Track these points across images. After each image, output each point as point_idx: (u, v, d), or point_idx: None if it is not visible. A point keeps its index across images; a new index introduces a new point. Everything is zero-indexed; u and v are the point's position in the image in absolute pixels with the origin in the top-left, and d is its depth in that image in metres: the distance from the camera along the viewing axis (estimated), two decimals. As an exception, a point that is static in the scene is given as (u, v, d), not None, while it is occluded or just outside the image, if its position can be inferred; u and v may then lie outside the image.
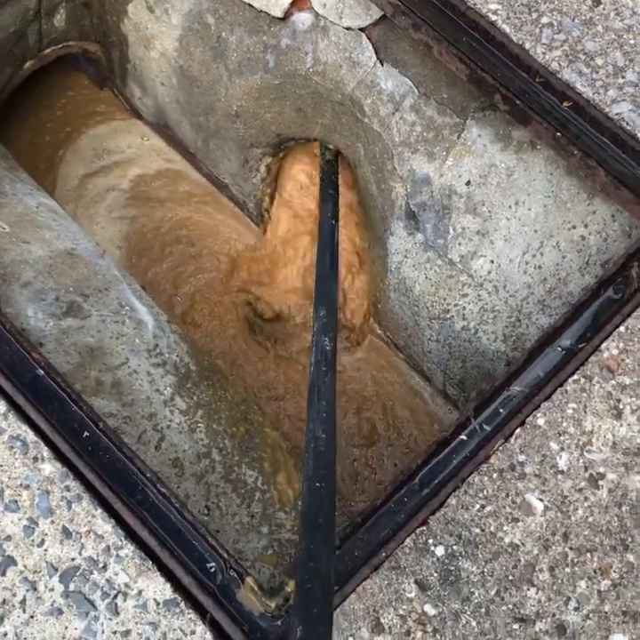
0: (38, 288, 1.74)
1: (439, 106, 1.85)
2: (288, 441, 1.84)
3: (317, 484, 1.42)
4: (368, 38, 1.89)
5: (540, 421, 1.43)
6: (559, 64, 1.67)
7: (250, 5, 2.00)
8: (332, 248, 1.94)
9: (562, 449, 1.41)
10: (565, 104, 1.65)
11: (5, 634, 1.31)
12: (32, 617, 1.32)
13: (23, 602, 1.33)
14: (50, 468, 1.40)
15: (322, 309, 1.78)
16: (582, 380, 1.45)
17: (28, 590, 1.33)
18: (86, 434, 1.41)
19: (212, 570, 1.33)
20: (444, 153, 1.85)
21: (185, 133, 2.44)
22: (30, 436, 1.42)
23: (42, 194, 1.98)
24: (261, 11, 1.99)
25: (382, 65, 1.89)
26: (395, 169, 1.93)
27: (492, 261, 1.85)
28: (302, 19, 1.96)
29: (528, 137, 1.77)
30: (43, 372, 1.45)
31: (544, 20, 1.71)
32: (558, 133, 1.64)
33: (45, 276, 1.77)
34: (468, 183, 1.84)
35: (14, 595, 1.33)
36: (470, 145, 1.82)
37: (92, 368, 1.67)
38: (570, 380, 1.46)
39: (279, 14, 1.96)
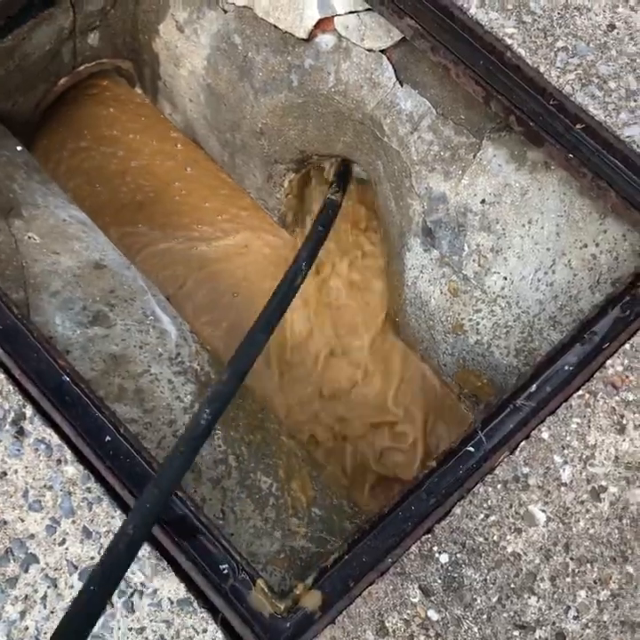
0: (66, 297, 1.81)
1: (456, 126, 1.90)
2: (303, 449, 1.90)
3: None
4: (388, 60, 1.95)
5: (545, 435, 1.47)
6: (572, 87, 1.71)
7: (275, 26, 2.07)
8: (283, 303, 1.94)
9: (565, 462, 1.45)
10: (578, 126, 1.69)
11: (27, 628, 1.37)
12: (52, 612, 1.38)
13: (44, 598, 1.39)
14: (72, 470, 1.46)
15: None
16: (587, 396, 1.50)
17: (48, 587, 1.39)
18: (108, 438, 1.47)
19: (225, 571, 1.39)
20: (460, 172, 1.90)
21: (212, 148, 2.51)
22: (54, 439, 1.48)
23: (72, 206, 2.05)
24: (286, 32, 2.05)
25: (402, 86, 1.95)
26: (412, 186, 1.98)
27: (506, 278, 1.89)
28: (325, 40, 2.02)
29: (542, 158, 1.81)
30: (68, 378, 1.51)
31: (559, 43, 1.76)
32: (571, 155, 1.68)
33: (73, 285, 1.84)
34: (482, 202, 1.89)
35: (36, 591, 1.39)
36: (485, 164, 1.87)
37: (115, 375, 1.74)
38: (575, 395, 1.50)
39: (303, 35, 2.03)
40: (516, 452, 1.46)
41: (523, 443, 1.47)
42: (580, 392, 1.50)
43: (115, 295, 1.88)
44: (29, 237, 1.88)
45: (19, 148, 2.10)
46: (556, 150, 1.70)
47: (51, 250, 1.88)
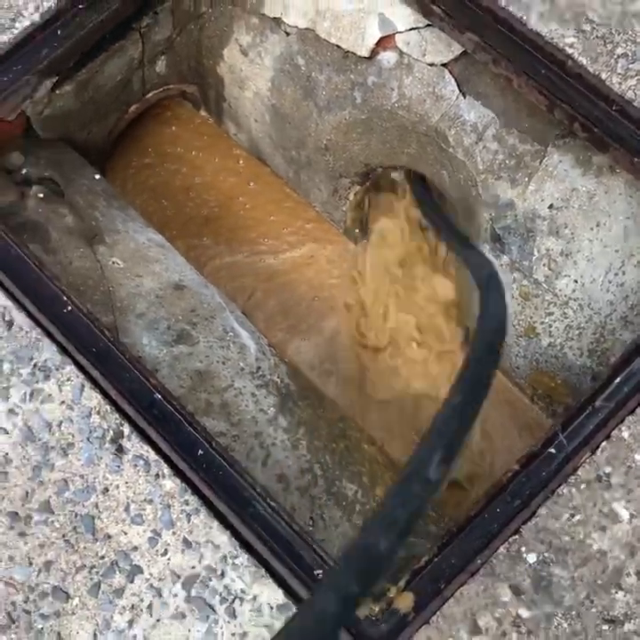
0: (151, 318, 1.89)
1: (520, 134, 1.94)
2: (383, 455, 1.95)
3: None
4: (450, 73, 2.00)
5: (625, 434, 1.51)
6: (635, 93, 1.74)
7: (338, 46, 2.13)
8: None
9: (646, 460, 1.49)
10: (641, 131, 1.73)
11: (135, 636, 1.44)
12: (158, 621, 1.45)
13: (150, 607, 1.46)
14: (170, 484, 1.53)
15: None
16: (665, 395, 1.53)
17: (153, 596, 1.47)
18: (201, 452, 1.54)
19: (319, 576, 1.44)
20: (527, 179, 1.94)
21: (278, 166, 2.58)
22: (152, 455, 1.55)
23: (150, 230, 2.14)
24: (348, 51, 2.11)
25: (465, 97, 1.99)
26: (479, 195, 2.03)
27: (576, 281, 1.93)
28: (387, 57, 2.07)
29: (607, 162, 1.84)
30: (160, 395, 1.59)
31: (619, 50, 1.79)
32: (636, 159, 1.72)
33: (157, 306, 1.92)
34: (550, 207, 1.92)
35: (142, 600, 1.47)
36: (552, 170, 1.91)
37: (201, 391, 1.81)
38: (652, 394, 1.54)
39: (365, 54, 2.08)
40: (598, 453, 1.50)
41: (604, 443, 1.50)
42: (658, 391, 1.53)
43: (196, 314, 1.95)
44: (113, 262, 1.96)
45: (97, 177, 2.18)
46: (621, 154, 1.74)
47: (134, 273, 1.97)
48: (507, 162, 1.97)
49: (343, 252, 2.58)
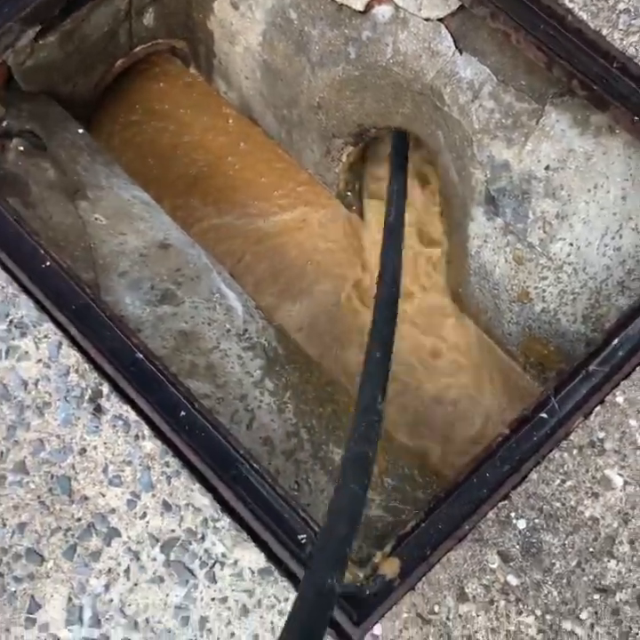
0: (135, 277, 1.83)
1: (517, 92, 1.88)
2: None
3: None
4: (447, 28, 1.93)
5: (620, 399, 1.47)
6: (636, 49, 1.69)
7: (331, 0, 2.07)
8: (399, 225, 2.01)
9: (641, 426, 1.45)
10: (643, 88, 1.67)
11: (111, 600, 1.40)
12: (136, 585, 1.41)
13: (127, 571, 1.42)
14: (150, 445, 1.49)
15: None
16: (661, 359, 1.49)
17: (131, 560, 1.43)
18: (183, 413, 1.50)
19: (303, 541, 1.41)
20: (523, 138, 1.89)
21: (269, 125, 2.52)
22: (132, 415, 1.51)
23: (135, 187, 2.08)
24: (342, 4, 2.04)
25: (461, 54, 1.93)
26: (474, 155, 1.97)
27: (571, 244, 1.88)
28: (382, 11, 2.01)
29: (606, 122, 1.79)
30: (142, 355, 1.54)
31: (620, 5, 1.73)
32: (636, 117, 1.66)
33: (141, 265, 1.86)
34: (546, 168, 1.87)
35: (119, 564, 1.43)
36: (549, 130, 1.85)
37: (186, 352, 1.77)
38: (649, 358, 1.49)
39: (360, 8, 2.02)
40: (591, 417, 1.46)
41: (597, 408, 1.46)
42: (655, 355, 1.49)
43: (181, 274, 1.90)
44: (96, 219, 1.91)
45: (80, 131, 2.12)
46: (621, 113, 1.68)
47: (117, 231, 1.91)
48: (503, 121, 1.91)
49: (336, 217, 2.53)
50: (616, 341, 1.51)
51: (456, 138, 2.02)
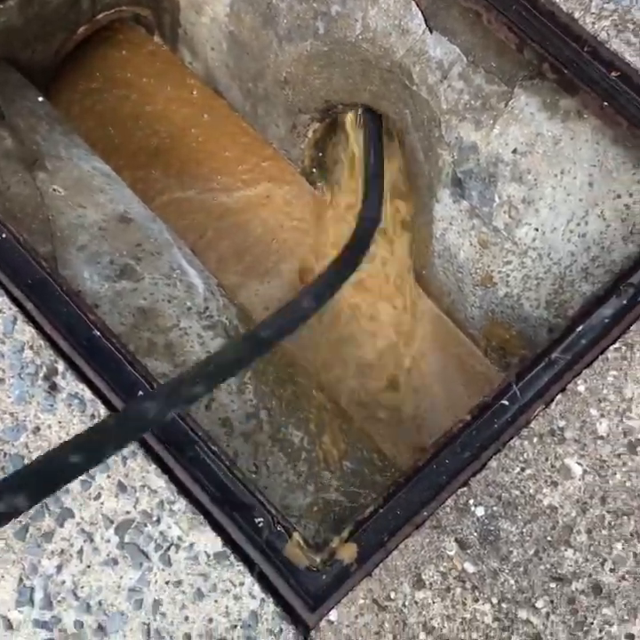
0: (93, 251, 1.79)
1: (487, 74, 1.86)
2: (333, 402, 1.90)
3: None
4: (417, 6, 1.90)
5: (581, 388, 1.46)
6: (608, 34, 1.67)
7: (300, -28, 2.03)
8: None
9: (602, 415, 1.44)
10: (613, 74, 1.66)
11: (63, 582, 1.38)
12: (89, 567, 1.39)
13: (80, 552, 1.40)
14: (106, 425, 1.46)
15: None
16: (623, 349, 1.48)
17: (85, 541, 1.40)
18: (141, 393, 1.47)
19: (260, 525, 1.39)
20: (491, 121, 1.87)
21: (234, 98, 2.48)
22: (87, 394, 1.48)
23: (95, 158, 2.03)
24: (311, -23, 2.01)
25: (431, 33, 1.90)
26: (442, 136, 1.95)
27: (537, 229, 1.87)
28: (352, -15, 1.98)
29: (575, 106, 1.78)
30: (99, 333, 1.51)
31: (593, -11, 1.71)
32: (605, 103, 1.65)
33: (100, 239, 1.82)
34: (514, 151, 1.86)
35: (72, 545, 1.40)
36: (517, 113, 1.84)
37: (145, 329, 1.73)
38: (611, 347, 1.48)
39: (329, -19, 1.99)
40: (552, 406, 1.45)
41: (559, 396, 1.46)
42: (617, 345, 1.49)
43: (141, 249, 1.87)
44: (54, 190, 1.86)
45: (40, 99, 2.07)
46: (591, 98, 1.67)
47: (76, 203, 1.87)
48: (472, 102, 1.89)
49: (301, 193, 2.49)
50: (579, 329, 1.50)
51: (424, 118, 2.00)
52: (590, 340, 1.49)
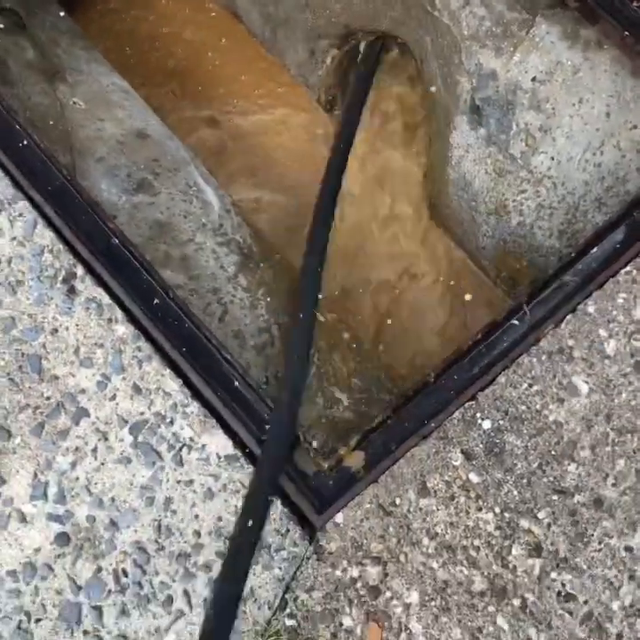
0: (111, 164, 1.81)
1: (509, 1, 1.86)
2: (343, 323, 1.92)
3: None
4: None
5: (591, 309, 1.48)
6: (633, -39, 1.67)
7: None
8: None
9: (610, 336, 1.47)
10: (635, 3, 1.66)
11: (77, 478, 1.41)
12: (102, 464, 1.42)
13: (94, 450, 1.43)
14: (123, 329, 1.49)
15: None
16: (634, 272, 1.51)
17: (99, 440, 1.43)
18: (157, 301, 1.49)
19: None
20: (512, 48, 1.87)
21: (253, 22, 2.47)
22: (105, 299, 1.50)
23: (115, 74, 2.04)
24: None
25: (455, -43, 1.90)
26: (462, 63, 1.95)
27: (553, 158, 1.88)
28: None
29: (595, 36, 1.77)
30: (117, 240, 1.53)
31: None
32: (626, 33, 1.65)
33: (118, 152, 1.84)
34: (533, 79, 1.86)
35: (86, 443, 1.43)
36: (538, 42, 1.84)
37: (161, 242, 1.75)
38: (622, 271, 1.51)
39: None
40: (562, 326, 1.48)
41: (568, 316, 1.48)
42: (628, 268, 1.51)
43: (159, 164, 1.88)
44: (74, 103, 1.87)
45: (61, 14, 2.07)
46: (611, 28, 1.68)
47: (95, 116, 1.88)
48: (493, 29, 1.89)
49: (316, 120, 2.49)
50: (591, 253, 1.52)
51: (444, 44, 1.99)
52: (601, 262, 1.51)
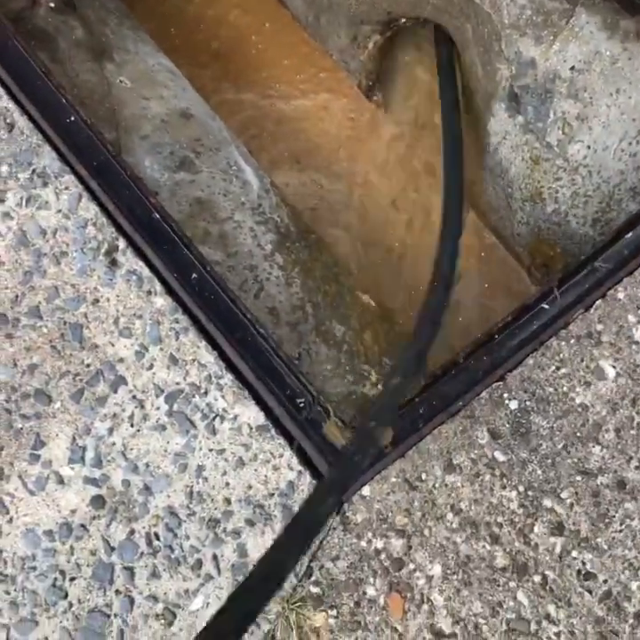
0: (155, 142, 1.85)
1: (551, -10, 1.88)
2: (376, 304, 1.95)
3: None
4: None
5: (621, 295, 1.50)
6: (676, -49, 1.68)
7: None
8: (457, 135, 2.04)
9: (638, 322, 1.48)
10: (676, -7, 1.67)
11: (114, 443, 1.46)
12: (139, 431, 1.47)
13: (131, 417, 1.48)
14: (161, 301, 1.53)
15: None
16: (665, 260, 1.52)
17: (136, 407, 1.48)
18: (195, 275, 1.53)
19: (302, 404, 1.46)
20: (552, 37, 1.89)
21: (297, 8, 2.50)
22: (145, 271, 1.55)
23: (161, 55, 2.08)
24: None
25: (498, -54, 1.92)
26: (502, 51, 1.97)
27: (589, 147, 1.89)
28: None
29: (635, 27, 1.78)
30: (159, 215, 1.57)
31: None
32: (666, 23, 1.67)
33: (162, 131, 1.88)
34: (572, 68, 1.87)
35: (123, 410, 1.48)
36: (578, 31, 1.85)
37: (200, 219, 1.80)
38: (653, 257, 1.53)
39: None
40: (591, 310, 1.50)
41: (598, 301, 1.50)
42: (660, 256, 1.53)
43: (200, 143, 1.92)
44: (121, 81, 1.92)
45: (110, -6, 2.12)
46: (652, 18, 1.68)
47: (141, 95, 1.92)
48: (534, 18, 1.91)
49: (358, 107, 2.52)
50: (623, 240, 1.54)
51: (485, 32, 2.01)
52: (633, 249, 1.53)
